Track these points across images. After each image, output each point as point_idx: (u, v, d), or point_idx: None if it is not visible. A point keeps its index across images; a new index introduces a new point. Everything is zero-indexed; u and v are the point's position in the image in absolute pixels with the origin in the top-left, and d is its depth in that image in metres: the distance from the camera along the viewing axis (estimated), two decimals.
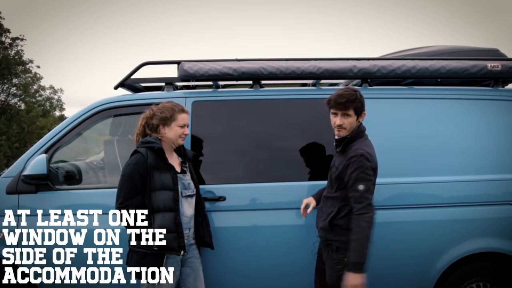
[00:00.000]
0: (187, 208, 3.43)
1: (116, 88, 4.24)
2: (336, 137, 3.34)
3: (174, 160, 3.49)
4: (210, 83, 4.33)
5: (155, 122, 3.43)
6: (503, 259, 3.95)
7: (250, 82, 4.18)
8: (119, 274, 3.80)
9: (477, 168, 3.95)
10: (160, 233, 3.25)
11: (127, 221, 3.26)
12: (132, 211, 3.24)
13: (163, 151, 3.36)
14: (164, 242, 3.24)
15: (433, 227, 3.86)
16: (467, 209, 3.89)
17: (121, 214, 3.26)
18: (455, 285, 3.90)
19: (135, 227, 3.26)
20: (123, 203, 3.25)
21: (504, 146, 4.00)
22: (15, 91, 32.54)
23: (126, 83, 4.20)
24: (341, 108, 3.17)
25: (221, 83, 4.43)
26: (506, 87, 4.31)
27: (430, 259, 3.85)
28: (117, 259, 3.78)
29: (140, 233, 3.26)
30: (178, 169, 3.46)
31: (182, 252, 3.33)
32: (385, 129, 3.94)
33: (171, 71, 4.23)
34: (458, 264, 3.89)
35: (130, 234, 3.34)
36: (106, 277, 3.82)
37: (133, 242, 3.30)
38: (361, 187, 3.09)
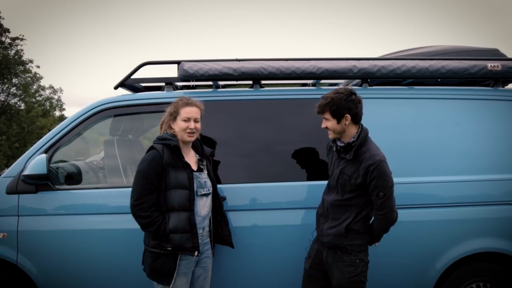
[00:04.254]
0: (202, 207, 3.36)
1: (116, 88, 4.22)
2: (340, 143, 3.31)
3: (191, 158, 3.43)
4: (210, 83, 4.32)
5: (166, 119, 3.42)
6: (503, 259, 3.95)
7: (250, 82, 4.18)
8: (120, 274, 3.83)
9: (477, 168, 3.95)
10: (174, 234, 3.20)
11: (141, 221, 3.23)
12: (146, 213, 3.20)
13: (179, 149, 3.30)
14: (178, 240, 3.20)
15: (433, 227, 3.86)
16: (467, 209, 3.89)
17: (135, 215, 3.22)
18: (455, 285, 3.90)
19: (150, 226, 3.21)
20: (138, 200, 3.20)
21: (504, 146, 4.01)
22: (15, 91, 32.46)
23: (126, 83, 4.19)
24: (318, 112, 3.27)
25: (221, 83, 4.42)
26: (506, 87, 4.32)
27: (430, 259, 3.85)
28: (118, 259, 3.82)
29: (155, 232, 3.21)
30: (194, 167, 3.39)
31: (196, 253, 3.27)
32: (385, 129, 3.94)
33: (172, 71, 4.25)
34: (458, 264, 3.89)
35: (144, 233, 3.34)
36: (107, 277, 3.83)
37: (148, 242, 3.29)
38: (381, 194, 3.16)
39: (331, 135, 3.30)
